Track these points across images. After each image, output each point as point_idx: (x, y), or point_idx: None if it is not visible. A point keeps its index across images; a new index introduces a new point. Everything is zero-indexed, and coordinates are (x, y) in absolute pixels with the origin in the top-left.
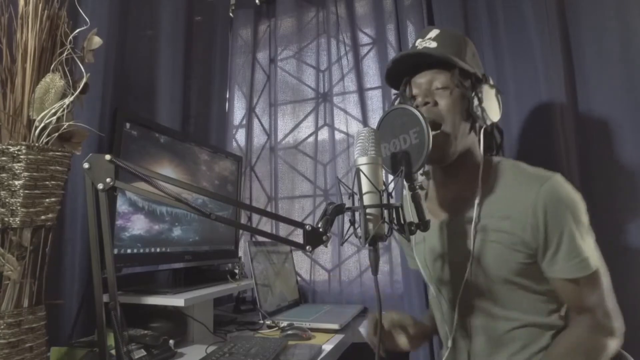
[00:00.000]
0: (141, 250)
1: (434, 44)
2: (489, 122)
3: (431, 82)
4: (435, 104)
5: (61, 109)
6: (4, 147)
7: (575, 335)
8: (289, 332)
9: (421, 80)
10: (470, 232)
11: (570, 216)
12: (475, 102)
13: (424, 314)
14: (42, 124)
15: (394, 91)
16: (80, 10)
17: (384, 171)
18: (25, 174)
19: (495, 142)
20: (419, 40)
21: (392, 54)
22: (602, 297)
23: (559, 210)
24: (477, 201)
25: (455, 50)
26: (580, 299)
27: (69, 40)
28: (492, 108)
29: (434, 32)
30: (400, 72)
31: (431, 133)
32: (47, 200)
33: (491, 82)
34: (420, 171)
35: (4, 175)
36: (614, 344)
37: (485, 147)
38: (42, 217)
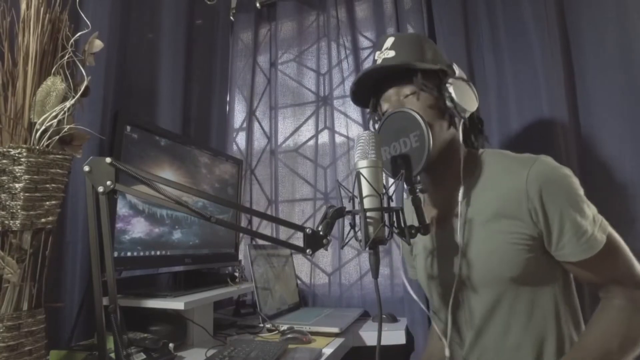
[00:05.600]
0: (141, 253)
1: (391, 53)
2: (467, 115)
3: (399, 93)
4: None
5: (62, 112)
6: (4, 149)
7: (607, 318)
8: (289, 335)
9: (389, 93)
10: (458, 233)
11: (565, 194)
12: (447, 98)
13: (424, 318)
14: (43, 127)
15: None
16: (82, 14)
17: (384, 174)
18: (26, 176)
19: (476, 133)
20: (377, 52)
21: None
22: (626, 265)
23: (553, 190)
24: (460, 198)
25: (414, 53)
26: (602, 276)
27: (70, 44)
28: (465, 99)
29: (390, 41)
30: (367, 90)
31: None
32: (47, 203)
33: (457, 72)
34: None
35: (4, 177)
36: None
37: (468, 139)
38: (42, 220)
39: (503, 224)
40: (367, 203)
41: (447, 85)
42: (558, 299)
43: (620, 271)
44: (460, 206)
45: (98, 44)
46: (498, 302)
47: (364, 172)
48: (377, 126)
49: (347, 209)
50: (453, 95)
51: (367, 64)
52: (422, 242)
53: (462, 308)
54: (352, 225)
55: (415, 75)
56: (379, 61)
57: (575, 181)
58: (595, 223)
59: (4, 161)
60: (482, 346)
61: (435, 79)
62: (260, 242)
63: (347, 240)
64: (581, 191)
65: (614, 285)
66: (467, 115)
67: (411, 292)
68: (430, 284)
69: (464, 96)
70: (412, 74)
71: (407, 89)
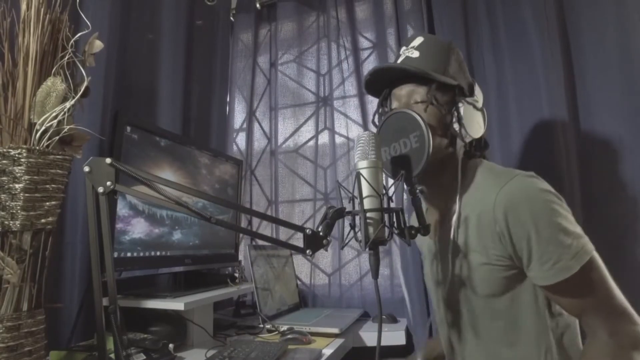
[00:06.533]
0: (141, 254)
1: (416, 54)
2: (468, 139)
3: (411, 95)
4: None
5: (62, 113)
6: (4, 150)
7: (593, 354)
8: (289, 336)
9: (401, 92)
10: (449, 251)
11: (533, 217)
12: (455, 118)
13: (424, 319)
14: (43, 128)
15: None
16: (82, 14)
17: (384, 175)
18: (26, 177)
19: (477, 155)
20: (403, 48)
21: (392, 58)
22: (604, 295)
23: (519, 213)
24: (454, 218)
25: (438, 61)
26: (577, 303)
27: (70, 44)
28: (472, 124)
29: (418, 40)
30: (382, 82)
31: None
32: (47, 203)
33: (476, 93)
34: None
35: (4, 178)
36: None
37: (468, 158)
38: (42, 220)
39: (482, 246)
40: (367, 203)
41: (459, 104)
42: (542, 315)
43: (596, 301)
44: (453, 232)
45: (98, 45)
46: (477, 321)
47: (364, 172)
48: (378, 124)
49: (347, 210)
50: (461, 115)
51: (367, 65)
52: (426, 248)
53: (450, 324)
54: (352, 226)
55: (431, 85)
56: (402, 57)
57: (551, 204)
58: (569, 249)
59: (4, 162)
60: None
61: (450, 94)
62: (260, 242)
63: (347, 241)
64: (557, 216)
65: (593, 318)
66: (469, 140)
67: (406, 296)
68: (434, 300)
69: (471, 120)
70: (428, 81)
71: (418, 95)
